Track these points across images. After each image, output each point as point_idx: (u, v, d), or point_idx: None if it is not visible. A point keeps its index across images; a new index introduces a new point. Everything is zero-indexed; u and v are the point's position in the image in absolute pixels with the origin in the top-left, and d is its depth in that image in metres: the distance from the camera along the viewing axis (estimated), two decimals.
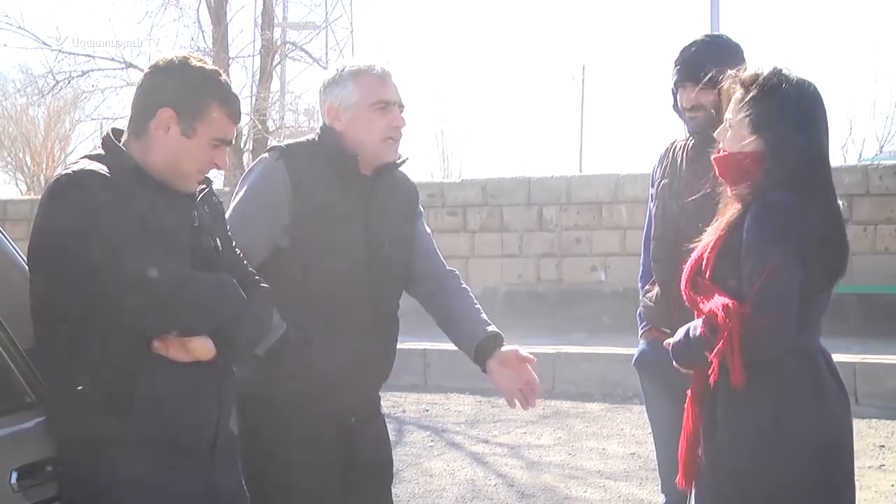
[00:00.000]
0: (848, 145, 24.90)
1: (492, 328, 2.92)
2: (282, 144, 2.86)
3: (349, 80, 2.82)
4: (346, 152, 2.80)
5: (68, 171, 2.27)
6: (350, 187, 2.81)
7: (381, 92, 2.82)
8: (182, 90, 2.33)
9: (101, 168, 2.26)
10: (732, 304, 2.40)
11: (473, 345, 2.90)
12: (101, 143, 2.38)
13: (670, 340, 2.65)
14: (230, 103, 2.37)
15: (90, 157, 2.33)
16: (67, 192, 2.22)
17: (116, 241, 2.18)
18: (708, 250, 2.54)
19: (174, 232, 2.31)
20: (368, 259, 2.82)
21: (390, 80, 2.85)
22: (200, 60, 2.40)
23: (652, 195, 3.78)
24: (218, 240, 2.45)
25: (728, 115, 2.59)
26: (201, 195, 2.43)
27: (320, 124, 2.93)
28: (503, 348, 2.88)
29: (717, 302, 2.44)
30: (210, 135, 2.34)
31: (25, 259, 2.46)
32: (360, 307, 2.81)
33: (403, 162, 2.95)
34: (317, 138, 2.88)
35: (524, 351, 2.87)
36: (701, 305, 2.50)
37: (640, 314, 3.86)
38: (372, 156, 2.82)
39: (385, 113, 2.81)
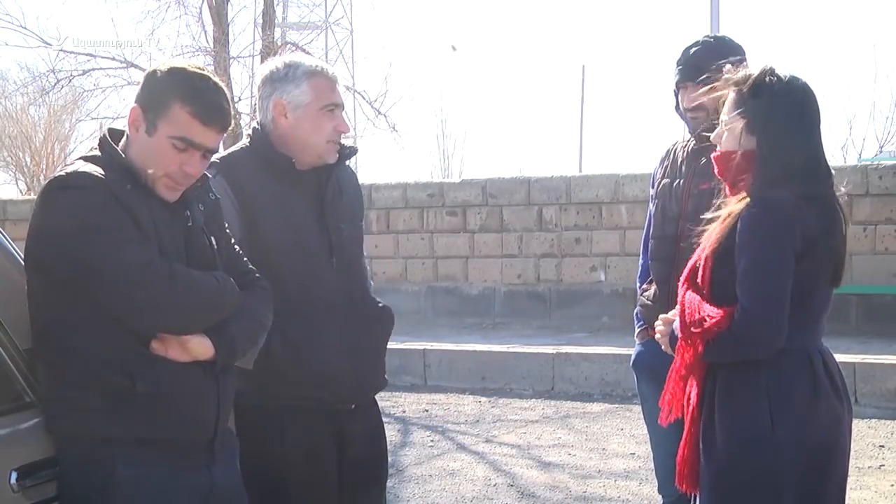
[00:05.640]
0: (848, 145, 24.91)
1: None
2: (216, 159, 2.84)
3: (304, 79, 2.83)
4: (280, 153, 2.83)
5: (61, 172, 2.28)
6: (294, 184, 2.85)
7: (332, 95, 2.86)
8: (151, 87, 2.32)
9: (95, 169, 2.25)
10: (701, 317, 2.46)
11: None
12: (98, 144, 2.38)
13: (660, 327, 2.68)
14: (195, 102, 2.27)
15: (85, 159, 2.33)
16: (59, 193, 2.23)
17: (108, 240, 2.18)
18: (705, 252, 2.54)
19: (168, 232, 2.31)
20: (330, 246, 2.86)
21: (337, 84, 2.90)
22: (196, 66, 2.36)
23: (652, 196, 3.79)
24: (213, 238, 2.44)
25: (723, 116, 2.60)
26: (196, 192, 2.40)
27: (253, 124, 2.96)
28: None
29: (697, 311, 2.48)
30: (169, 132, 2.27)
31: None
32: (334, 296, 2.84)
33: (353, 153, 2.98)
34: (248, 142, 2.91)
35: None
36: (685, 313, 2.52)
37: (637, 314, 3.86)
38: (314, 156, 2.85)
39: (333, 117, 2.85)
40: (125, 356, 2.22)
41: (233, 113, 2.39)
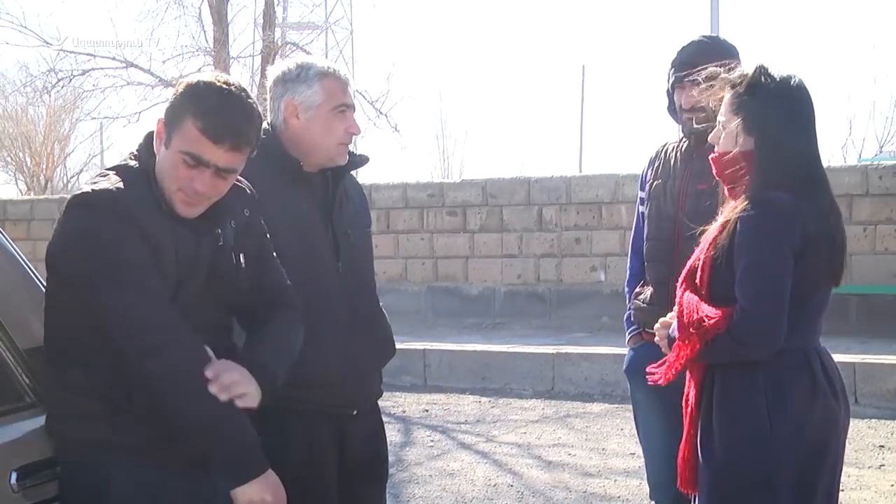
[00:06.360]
0: (848, 145, 24.94)
1: None
2: None
3: (316, 80, 2.82)
4: (289, 155, 2.82)
5: (88, 188, 2.26)
6: (303, 186, 2.84)
7: (344, 97, 2.86)
8: (174, 100, 2.27)
9: (120, 185, 2.22)
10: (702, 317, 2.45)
11: None
12: (136, 151, 2.33)
13: (660, 329, 2.68)
14: (206, 119, 2.19)
15: (118, 170, 2.29)
16: (79, 210, 2.21)
17: (114, 274, 2.16)
18: (704, 252, 2.54)
19: (191, 255, 2.27)
20: (336, 250, 2.86)
21: (348, 86, 2.90)
22: (224, 81, 2.28)
23: (642, 198, 3.75)
24: (242, 256, 2.40)
25: (720, 117, 2.60)
26: (228, 209, 2.36)
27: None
28: None
29: (696, 312, 2.47)
30: (179, 146, 2.22)
31: (26, 260, 2.47)
32: (338, 299, 2.84)
33: (363, 162, 2.97)
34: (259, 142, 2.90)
35: None
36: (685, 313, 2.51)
37: (628, 318, 3.80)
38: (325, 158, 2.85)
39: (344, 118, 2.84)
40: (126, 373, 2.19)
41: (257, 130, 2.28)
